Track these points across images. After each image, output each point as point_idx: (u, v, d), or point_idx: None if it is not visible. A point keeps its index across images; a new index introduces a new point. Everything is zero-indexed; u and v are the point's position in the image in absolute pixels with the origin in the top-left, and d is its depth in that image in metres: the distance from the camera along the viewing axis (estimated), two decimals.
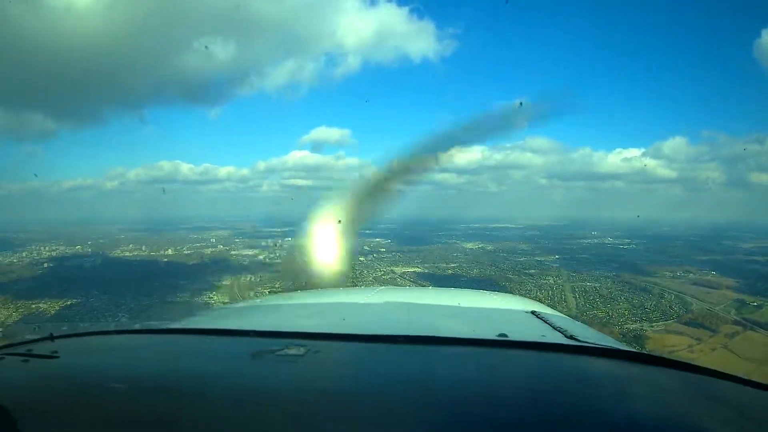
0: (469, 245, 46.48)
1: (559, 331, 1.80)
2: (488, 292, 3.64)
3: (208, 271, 37.51)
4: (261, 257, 42.38)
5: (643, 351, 1.65)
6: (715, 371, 1.23)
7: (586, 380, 1.19)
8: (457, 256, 43.10)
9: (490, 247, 46.13)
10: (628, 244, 47.57)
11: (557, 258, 41.46)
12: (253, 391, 1.07)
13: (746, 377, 1.20)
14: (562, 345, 1.45)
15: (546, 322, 2.00)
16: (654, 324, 27.44)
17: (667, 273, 36.11)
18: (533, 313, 2.23)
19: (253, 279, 36.51)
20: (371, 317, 2.27)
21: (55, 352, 1.32)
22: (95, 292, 31.40)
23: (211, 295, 32.21)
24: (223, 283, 35.26)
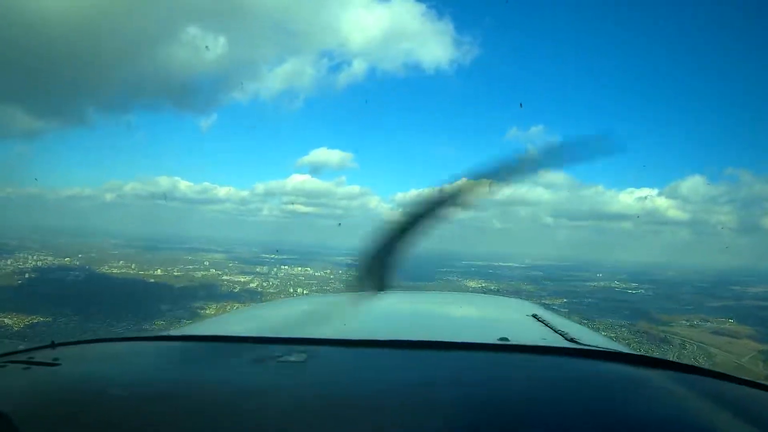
0: (472, 284, 44.52)
1: (560, 334, 1.78)
2: (488, 296, 3.93)
3: (193, 297, 35.67)
4: (253, 285, 40.74)
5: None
6: (716, 372, 1.23)
7: (588, 383, 1.18)
8: (461, 292, 40.90)
9: (493, 287, 43.75)
10: (636, 288, 46.02)
11: (565, 302, 39.25)
12: (254, 398, 1.07)
13: (748, 378, 1.23)
14: (563, 348, 1.48)
15: (547, 326, 1.99)
16: None
17: (684, 321, 34.61)
18: (534, 316, 2.20)
19: (240, 308, 34.42)
20: (372, 322, 2.07)
21: (57, 359, 1.32)
22: (67, 312, 29.43)
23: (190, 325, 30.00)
24: (207, 311, 32.96)
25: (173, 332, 1.99)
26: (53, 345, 1.51)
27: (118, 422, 0.94)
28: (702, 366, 1.28)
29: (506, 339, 1.50)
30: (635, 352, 1.51)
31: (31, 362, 1.30)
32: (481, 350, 1.39)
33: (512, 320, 2.34)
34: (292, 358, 1.28)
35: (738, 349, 29.42)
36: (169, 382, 1.20)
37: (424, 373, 1.24)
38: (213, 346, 1.59)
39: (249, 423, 0.93)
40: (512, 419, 0.95)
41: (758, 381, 1.20)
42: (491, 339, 1.50)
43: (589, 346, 1.52)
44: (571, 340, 1.66)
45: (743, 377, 1.22)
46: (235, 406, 1.00)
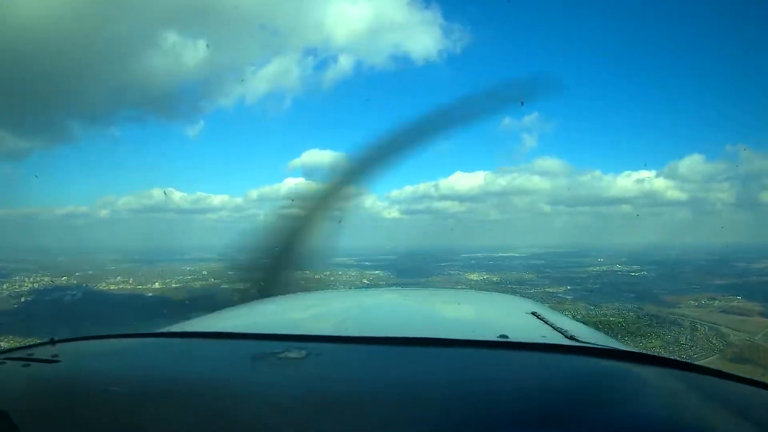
0: (473, 276, 43.86)
1: (559, 331, 1.80)
2: (488, 293, 4.13)
3: (191, 308, 34.50)
4: (253, 291, 40.01)
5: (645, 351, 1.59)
6: (716, 371, 1.25)
7: (588, 381, 1.20)
8: (461, 289, 40.34)
9: (495, 278, 43.12)
10: (639, 271, 45.25)
11: (569, 289, 38.74)
12: (254, 395, 1.08)
13: (747, 377, 1.23)
14: (562, 346, 1.47)
15: (546, 323, 1.99)
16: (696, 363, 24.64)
17: (692, 302, 33.78)
18: (533, 313, 2.21)
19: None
20: (371, 319, 2.23)
21: (56, 356, 1.33)
22: (65, 332, 28.53)
23: None
24: None
25: (172, 329, 1.99)
26: (52, 342, 1.51)
27: (118, 418, 0.95)
28: (699, 364, 1.30)
29: (506, 336, 1.50)
30: (635, 350, 1.51)
31: (30, 359, 1.31)
32: (480, 347, 1.40)
33: (512, 318, 2.36)
34: (292, 355, 1.28)
35: (750, 327, 28.72)
36: (169, 379, 1.20)
37: (424, 370, 1.25)
38: (212, 342, 1.60)
39: (249, 419, 0.93)
40: (512, 416, 0.95)
41: (756, 379, 1.20)
42: (491, 336, 1.51)
43: (588, 343, 1.53)
44: (571, 338, 1.67)
45: (741, 375, 1.22)
46: (235, 403, 1.00)
